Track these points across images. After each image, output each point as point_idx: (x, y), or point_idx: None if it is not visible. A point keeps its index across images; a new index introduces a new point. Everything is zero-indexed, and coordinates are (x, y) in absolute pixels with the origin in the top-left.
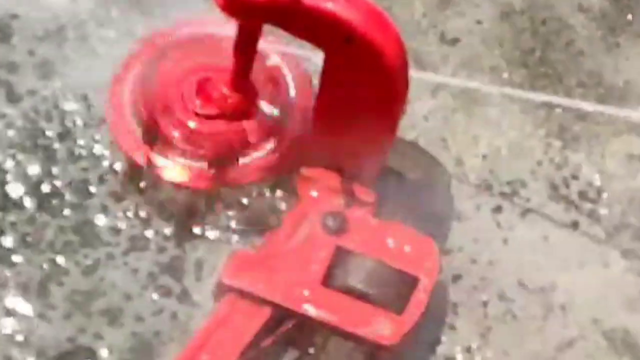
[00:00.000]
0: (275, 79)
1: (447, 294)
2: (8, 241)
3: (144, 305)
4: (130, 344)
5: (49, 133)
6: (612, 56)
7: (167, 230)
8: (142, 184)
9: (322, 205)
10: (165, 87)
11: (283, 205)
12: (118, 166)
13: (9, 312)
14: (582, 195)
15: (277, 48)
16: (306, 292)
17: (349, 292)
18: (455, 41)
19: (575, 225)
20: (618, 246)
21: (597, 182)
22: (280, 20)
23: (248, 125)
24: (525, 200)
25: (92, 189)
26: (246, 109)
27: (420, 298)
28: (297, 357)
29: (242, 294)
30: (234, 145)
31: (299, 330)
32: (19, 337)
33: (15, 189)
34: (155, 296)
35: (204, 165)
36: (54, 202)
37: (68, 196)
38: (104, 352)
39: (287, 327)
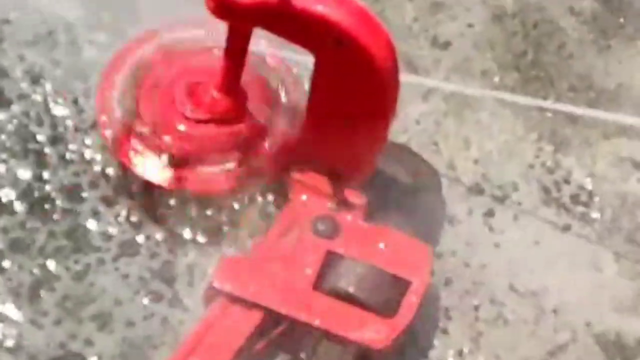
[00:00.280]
0: (266, 83)
1: (439, 298)
2: None
3: (135, 310)
4: (121, 349)
5: (39, 137)
6: (604, 59)
7: (158, 235)
8: (133, 189)
9: (313, 209)
10: (156, 90)
11: (274, 210)
12: (110, 171)
13: (0, 318)
14: (574, 198)
15: (268, 51)
16: (297, 296)
17: (340, 295)
18: (446, 45)
19: (567, 228)
20: (610, 249)
21: (589, 186)
22: (270, 23)
23: (238, 128)
24: (517, 204)
25: (83, 193)
26: (236, 112)
27: (411, 302)
28: None
29: (233, 298)
30: (224, 148)
31: (290, 334)
32: (10, 343)
33: (5, 194)
34: (146, 301)
35: (194, 168)
36: (45, 207)
37: (59, 201)
38: (94, 358)
39: (278, 331)
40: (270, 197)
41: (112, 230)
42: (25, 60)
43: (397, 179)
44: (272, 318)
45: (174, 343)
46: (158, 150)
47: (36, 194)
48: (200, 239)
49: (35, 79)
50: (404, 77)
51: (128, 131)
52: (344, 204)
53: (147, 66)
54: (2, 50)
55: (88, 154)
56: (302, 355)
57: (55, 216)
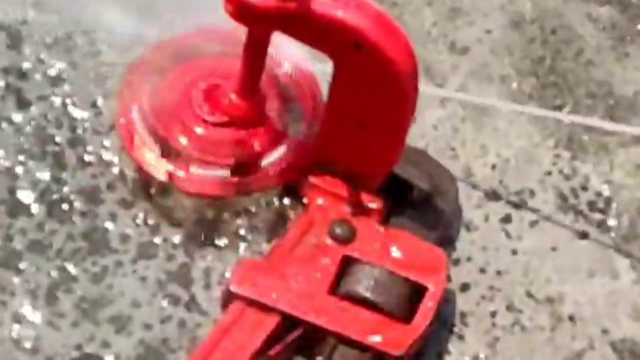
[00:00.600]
0: (284, 87)
1: (455, 304)
2: (16, 247)
3: (153, 313)
4: (138, 352)
5: (58, 139)
6: (622, 66)
7: (176, 238)
8: (151, 191)
9: (330, 213)
10: (174, 93)
11: (291, 213)
12: (128, 173)
13: (17, 319)
14: (591, 205)
15: (286, 55)
16: (313, 301)
17: (357, 300)
18: (465, 50)
19: (584, 235)
20: (627, 256)
21: (606, 193)
22: (289, 27)
23: (256, 132)
24: (534, 211)
25: (102, 195)
26: (255, 116)
27: (428, 307)
28: None
29: (250, 302)
30: (241, 153)
31: (306, 338)
32: (27, 344)
33: (24, 196)
34: (163, 304)
35: (211, 172)
36: (63, 208)
37: (77, 203)
38: None
39: (294, 335)
40: (287, 201)
41: (130, 232)
42: (44, 62)
43: (414, 183)
44: (288, 322)
45: (191, 346)
46: (175, 153)
47: (54, 195)
48: (217, 242)
49: (54, 81)
50: (422, 84)
51: (147, 134)
52: (361, 208)
53: (166, 69)
54: (20, 52)
55: (106, 156)
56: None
57: (74, 218)
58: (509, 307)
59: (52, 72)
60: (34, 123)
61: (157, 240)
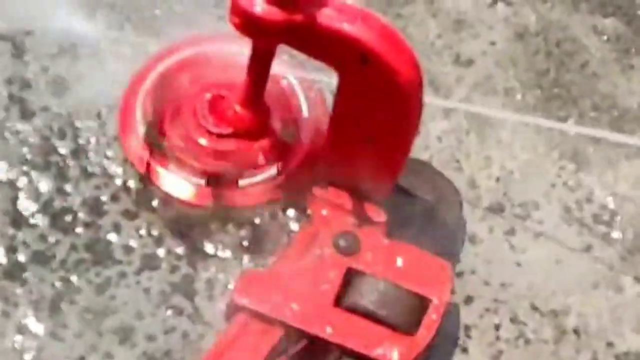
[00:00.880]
0: (288, 99)
1: (459, 316)
2: (20, 259)
3: (156, 324)
4: None
5: (61, 150)
6: (627, 78)
7: (179, 249)
8: (155, 202)
9: (334, 225)
10: (178, 103)
11: (294, 225)
12: (131, 184)
13: (20, 330)
14: (596, 218)
15: (291, 68)
16: (318, 313)
17: (361, 313)
18: (469, 62)
19: (588, 248)
20: (632, 270)
21: (611, 205)
22: (295, 40)
23: (260, 144)
24: (538, 223)
25: (105, 207)
26: (259, 128)
27: (432, 320)
28: None
29: (253, 313)
30: (245, 164)
31: (310, 351)
32: (29, 355)
33: (27, 206)
34: (166, 315)
35: (215, 182)
36: (66, 219)
37: (80, 214)
38: None
39: (298, 347)
40: (290, 213)
41: (134, 243)
42: (48, 72)
43: (418, 196)
44: (292, 334)
45: (195, 358)
46: (180, 164)
47: (57, 206)
48: (221, 253)
49: (58, 92)
50: (426, 96)
51: (150, 145)
52: (365, 220)
53: (170, 80)
54: (24, 62)
55: (110, 168)
56: None
57: (77, 229)
58: (513, 320)
59: (56, 83)
60: (37, 134)
61: (161, 251)
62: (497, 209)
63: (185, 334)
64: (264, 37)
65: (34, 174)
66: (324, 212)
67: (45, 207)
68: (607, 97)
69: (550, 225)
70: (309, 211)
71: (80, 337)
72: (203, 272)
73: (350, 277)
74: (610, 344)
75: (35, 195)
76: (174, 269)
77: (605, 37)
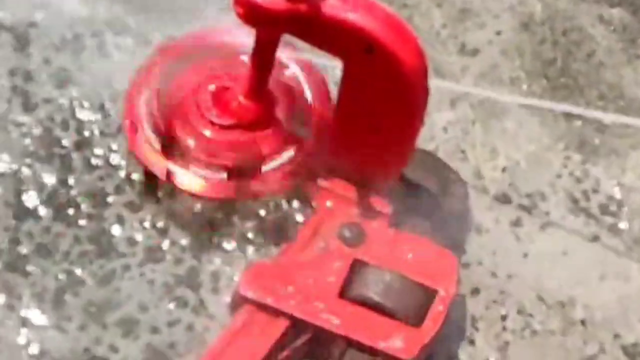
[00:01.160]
0: (293, 89)
1: (465, 308)
2: (23, 251)
3: (160, 316)
4: (146, 356)
5: (65, 142)
6: (633, 68)
7: (184, 241)
8: (159, 194)
9: (339, 216)
10: (182, 95)
11: (300, 217)
12: (135, 176)
13: (24, 323)
14: (603, 208)
15: (295, 57)
16: (323, 304)
17: (367, 304)
18: (475, 52)
19: (595, 238)
20: (638, 260)
21: (618, 196)
22: (300, 30)
23: (265, 135)
24: (545, 214)
25: (109, 198)
26: (263, 118)
27: (438, 311)
28: None
29: (259, 305)
30: (250, 155)
31: (315, 342)
32: (34, 348)
33: (30, 199)
34: (171, 307)
35: (220, 175)
36: (70, 211)
37: (84, 206)
38: None
39: (303, 339)
40: (295, 204)
41: (138, 235)
42: (51, 64)
43: (423, 186)
44: (297, 326)
45: (199, 350)
46: (183, 156)
47: (61, 198)
48: (226, 245)
49: (61, 83)
50: (432, 84)
51: (154, 136)
52: (370, 211)
53: (174, 71)
54: (28, 53)
55: (114, 159)
56: None
57: (81, 221)
58: (520, 311)
59: (59, 74)
60: (40, 125)
61: (165, 243)
62: (503, 200)
63: (190, 327)
64: (268, 27)
65: (37, 165)
66: (329, 203)
67: (49, 199)
68: (614, 86)
69: (557, 215)
70: (314, 203)
71: (84, 329)
72: (208, 264)
73: (355, 269)
74: (617, 335)
75: (39, 187)
76: (178, 261)
77: (611, 27)
